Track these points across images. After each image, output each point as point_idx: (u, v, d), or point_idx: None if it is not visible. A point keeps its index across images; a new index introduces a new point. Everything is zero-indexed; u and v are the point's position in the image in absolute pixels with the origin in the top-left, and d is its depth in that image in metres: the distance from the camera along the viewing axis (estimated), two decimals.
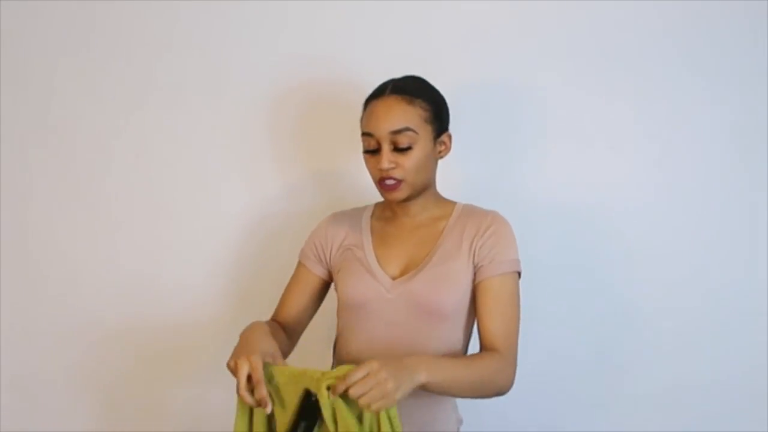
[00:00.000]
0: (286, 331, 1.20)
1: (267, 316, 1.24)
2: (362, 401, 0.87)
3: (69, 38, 1.54)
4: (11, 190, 1.57)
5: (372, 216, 1.23)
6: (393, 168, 1.08)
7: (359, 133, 1.14)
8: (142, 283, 1.56)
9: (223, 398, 1.54)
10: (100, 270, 1.57)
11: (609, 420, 1.49)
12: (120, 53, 1.53)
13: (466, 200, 1.21)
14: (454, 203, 1.20)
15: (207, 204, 1.55)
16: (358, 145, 1.14)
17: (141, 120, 1.54)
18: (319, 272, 1.22)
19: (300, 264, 1.25)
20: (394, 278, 1.13)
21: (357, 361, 0.97)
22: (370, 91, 1.15)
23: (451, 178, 1.37)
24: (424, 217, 1.17)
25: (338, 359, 1.19)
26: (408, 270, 1.13)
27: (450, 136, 1.17)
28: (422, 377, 0.92)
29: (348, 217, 1.24)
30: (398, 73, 1.17)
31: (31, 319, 1.59)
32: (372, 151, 1.11)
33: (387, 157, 1.08)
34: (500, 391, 1.05)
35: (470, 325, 1.15)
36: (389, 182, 1.10)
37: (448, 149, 1.17)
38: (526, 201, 1.46)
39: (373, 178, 1.13)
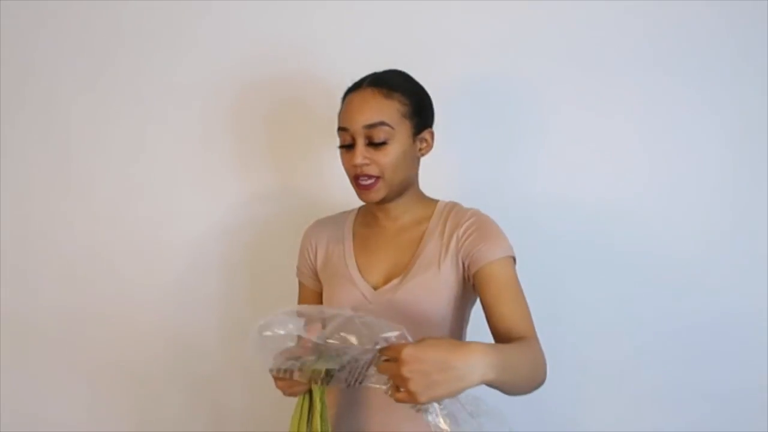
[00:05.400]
0: None
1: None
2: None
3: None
4: (10, 189, 1.57)
5: (355, 222, 1.18)
6: (367, 164, 1.03)
7: (331, 133, 1.10)
8: (140, 282, 1.56)
9: (221, 396, 1.57)
10: (99, 269, 1.56)
11: (609, 420, 1.49)
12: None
13: (462, 201, 1.17)
14: (436, 202, 1.15)
15: (198, 206, 1.55)
16: (331, 146, 1.11)
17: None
18: (317, 287, 1.19)
19: (299, 282, 1.23)
20: (376, 287, 1.08)
21: None
22: (345, 86, 1.11)
23: (448, 177, 1.39)
24: (406, 220, 1.12)
25: None
26: (391, 278, 1.08)
27: (432, 134, 1.11)
28: (483, 377, 0.80)
29: (330, 223, 1.20)
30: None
31: (30, 319, 1.58)
32: (347, 147, 1.05)
33: (360, 152, 1.02)
34: (542, 380, 0.95)
35: (458, 327, 1.10)
36: (364, 181, 1.04)
37: (429, 147, 1.11)
38: (524, 201, 1.46)
39: (349, 176, 1.07)
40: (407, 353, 0.78)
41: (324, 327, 0.89)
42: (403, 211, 1.12)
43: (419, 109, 1.07)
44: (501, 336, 0.99)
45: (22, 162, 1.57)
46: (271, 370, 0.96)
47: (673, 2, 1.41)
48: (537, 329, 1.29)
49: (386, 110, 1.03)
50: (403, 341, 0.84)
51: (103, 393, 1.59)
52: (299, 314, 0.90)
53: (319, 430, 0.96)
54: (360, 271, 1.10)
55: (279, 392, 1.21)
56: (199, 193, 1.54)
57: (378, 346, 0.85)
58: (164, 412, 1.58)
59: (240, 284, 1.55)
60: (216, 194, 1.53)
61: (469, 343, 0.81)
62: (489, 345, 0.83)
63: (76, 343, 1.59)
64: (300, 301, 1.24)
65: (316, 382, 0.94)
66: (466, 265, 1.05)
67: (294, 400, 1.01)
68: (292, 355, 0.93)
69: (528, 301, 1.02)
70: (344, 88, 1.10)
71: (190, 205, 1.54)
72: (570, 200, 1.46)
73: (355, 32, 1.47)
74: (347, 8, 1.47)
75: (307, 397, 0.99)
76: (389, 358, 0.82)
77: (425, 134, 1.09)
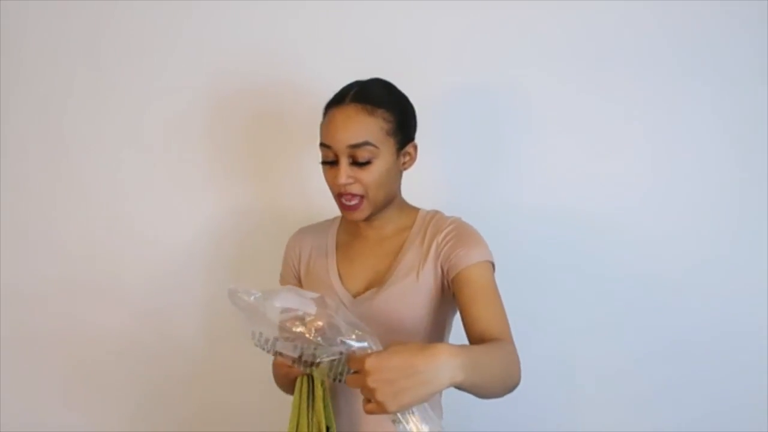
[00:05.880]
0: None
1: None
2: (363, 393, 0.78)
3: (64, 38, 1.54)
4: (11, 189, 1.57)
5: (338, 230, 1.19)
6: (351, 183, 1.02)
7: (312, 143, 1.08)
8: (140, 282, 1.57)
9: (224, 397, 1.58)
10: (99, 269, 1.57)
11: (609, 420, 1.48)
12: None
13: (451, 205, 1.16)
14: (417, 211, 1.14)
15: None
16: (312, 155, 1.09)
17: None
18: None
19: None
20: (356, 296, 1.08)
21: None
22: (328, 95, 1.07)
23: (433, 183, 1.38)
24: (388, 230, 1.12)
25: None
26: (371, 286, 1.08)
27: (415, 147, 1.10)
28: (452, 380, 0.76)
29: (314, 232, 1.20)
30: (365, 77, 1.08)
31: (31, 319, 1.59)
32: (330, 163, 1.04)
33: (344, 172, 1.01)
34: (516, 383, 0.92)
35: (438, 336, 1.09)
36: (348, 201, 1.04)
37: (413, 160, 1.10)
38: (514, 204, 1.46)
39: (332, 191, 1.07)
40: (370, 363, 0.75)
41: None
42: (385, 222, 1.12)
43: (403, 124, 1.06)
44: (475, 339, 0.96)
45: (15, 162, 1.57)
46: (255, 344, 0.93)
47: (671, 2, 1.40)
48: (535, 333, 1.26)
49: (370, 129, 1.01)
50: (368, 350, 0.83)
51: (104, 393, 1.60)
52: (265, 293, 0.88)
53: (323, 415, 0.96)
54: (341, 280, 1.11)
55: (262, 393, 1.22)
56: (181, 201, 1.54)
57: (335, 348, 0.84)
58: (158, 411, 1.60)
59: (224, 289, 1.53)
60: (197, 203, 1.53)
61: (436, 344, 0.78)
62: (457, 346, 0.79)
63: (78, 343, 1.59)
64: None
65: (299, 367, 0.91)
66: (445, 271, 1.04)
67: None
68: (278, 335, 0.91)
69: (526, 304, 1.02)
70: (326, 98, 1.07)
71: (174, 211, 1.54)
72: (566, 205, 1.45)
73: (337, 42, 1.45)
74: (330, 17, 1.45)
75: (306, 381, 0.98)
76: (356, 370, 0.79)
77: (409, 148, 1.09)
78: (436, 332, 1.08)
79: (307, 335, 0.85)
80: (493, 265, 1.05)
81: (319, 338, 0.84)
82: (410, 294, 1.04)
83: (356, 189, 1.03)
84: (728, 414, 1.45)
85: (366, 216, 1.06)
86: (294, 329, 0.85)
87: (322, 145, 1.04)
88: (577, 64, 1.43)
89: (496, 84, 1.44)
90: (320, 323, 0.85)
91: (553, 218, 1.45)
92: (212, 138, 1.52)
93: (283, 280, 1.21)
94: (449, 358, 0.76)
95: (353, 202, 1.04)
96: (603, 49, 1.42)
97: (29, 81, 1.54)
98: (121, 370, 1.59)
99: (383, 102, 1.03)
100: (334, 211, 1.12)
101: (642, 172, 1.44)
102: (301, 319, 0.86)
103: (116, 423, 1.59)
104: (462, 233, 1.06)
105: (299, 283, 1.18)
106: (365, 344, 0.84)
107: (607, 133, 1.44)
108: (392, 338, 0.93)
